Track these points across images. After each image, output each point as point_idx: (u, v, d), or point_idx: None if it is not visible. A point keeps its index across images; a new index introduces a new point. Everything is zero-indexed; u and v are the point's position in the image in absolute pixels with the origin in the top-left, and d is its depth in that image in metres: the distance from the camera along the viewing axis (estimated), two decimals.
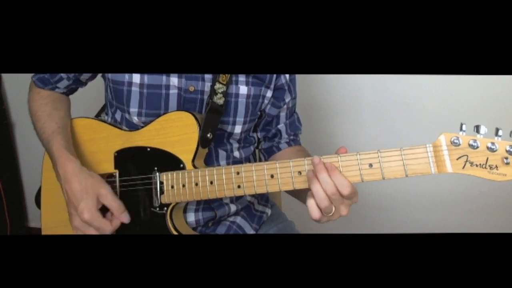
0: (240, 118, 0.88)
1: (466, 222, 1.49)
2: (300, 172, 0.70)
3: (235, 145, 0.93)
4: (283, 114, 0.98)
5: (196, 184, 0.76)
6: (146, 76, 0.83)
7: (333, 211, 0.67)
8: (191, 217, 0.88)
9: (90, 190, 0.76)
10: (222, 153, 0.90)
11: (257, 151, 1.05)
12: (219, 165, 0.89)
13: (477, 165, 0.61)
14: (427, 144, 0.64)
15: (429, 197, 1.50)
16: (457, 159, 0.62)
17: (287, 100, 0.95)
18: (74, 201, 0.76)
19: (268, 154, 1.01)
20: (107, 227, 0.76)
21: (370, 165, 0.66)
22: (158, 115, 0.83)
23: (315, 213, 0.67)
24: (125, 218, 0.78)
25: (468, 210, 1.48)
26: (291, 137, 1.00)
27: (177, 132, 0.81)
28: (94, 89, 1.02)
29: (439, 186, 1.45)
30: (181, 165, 0.79)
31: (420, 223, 1.54)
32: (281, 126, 0.98)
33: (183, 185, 0.77)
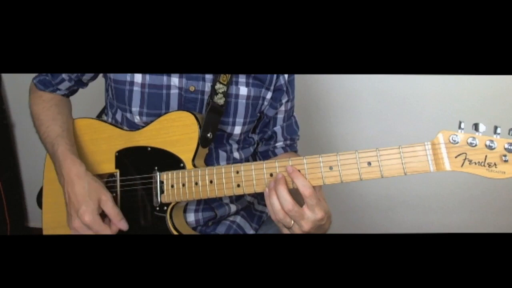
0: (240, 119, 0.88)
1: (466, 222, 1.49)
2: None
3: (235, 145, 0.93)
4: (280, 117, 0.97)
5: (196, 184, 0.76)
6: (147, 76, 0.83)
7: (291, 224, 0.69)
8: (191, 217, 0.88)
9: (92, 194, 0.78)
10: (222, 154, 0.91)
11: None
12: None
13: (475, 163, 0.61)
14: (425, 142, 0.64)
15: (429, 197, 1.50)
16: (456, 157, 0.62)
17: (283, 101, 0.95)
18: (76, 203, 0.78)
19: (264, 158, 1.01)
20: (105, 231, 0.77)
21: (369, 163, 0.66)
22: (159, 115, 0.83)
23: (272, 216, 0.71)
24: (123, 225, 0.79)
25: (468, 210, 1.48)
26: (287, 142, 1.00)
27: (177, 132, 0.81)
28: (95, 90, 1.02)
29: (439, 186, 1.45)
30: (181, 165, 0.79)
31: (420, 223, 1.54)
32: (277, 129, 0.98)
33: (183, 185, 0.78)
